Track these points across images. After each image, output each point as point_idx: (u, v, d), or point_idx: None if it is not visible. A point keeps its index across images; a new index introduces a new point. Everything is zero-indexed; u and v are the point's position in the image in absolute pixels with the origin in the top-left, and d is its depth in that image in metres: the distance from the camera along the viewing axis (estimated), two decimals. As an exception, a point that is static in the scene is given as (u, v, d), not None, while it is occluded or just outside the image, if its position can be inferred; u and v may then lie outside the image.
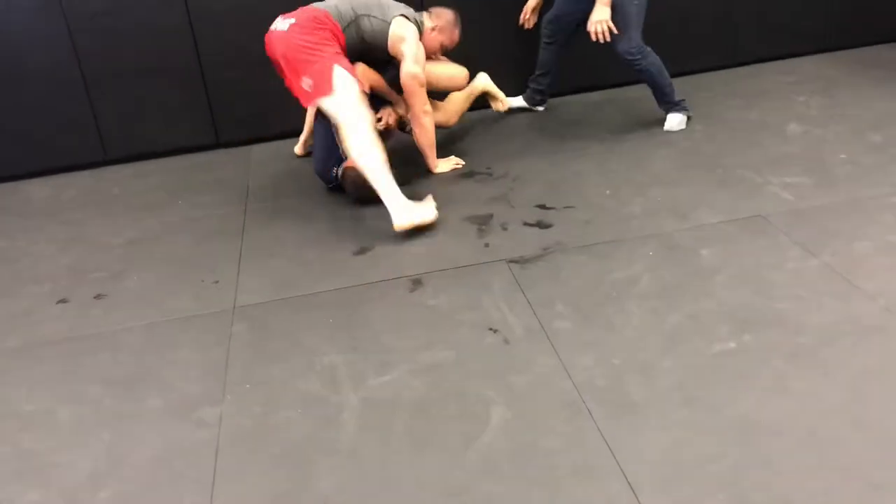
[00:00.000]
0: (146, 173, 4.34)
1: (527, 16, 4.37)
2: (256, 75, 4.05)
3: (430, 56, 3.87)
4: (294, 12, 3.55)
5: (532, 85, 4.52)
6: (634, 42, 3.90)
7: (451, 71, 4.00)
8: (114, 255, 3.48)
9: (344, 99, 3.35)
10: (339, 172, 3.67)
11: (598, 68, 4.65)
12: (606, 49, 4.56)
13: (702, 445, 2.11)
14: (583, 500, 1.99)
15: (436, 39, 3.85)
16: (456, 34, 3.92)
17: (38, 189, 4.29)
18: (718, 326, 2.57)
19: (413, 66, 3.60)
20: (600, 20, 3.80)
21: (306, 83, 3.40)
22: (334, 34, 3.53)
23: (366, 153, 3.34)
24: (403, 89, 3.65)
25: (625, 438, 2.15)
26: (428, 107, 3.72)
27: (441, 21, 3.85)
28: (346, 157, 3.59)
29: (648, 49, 3.97)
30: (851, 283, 2.72)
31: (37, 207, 4.08)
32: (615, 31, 3.83)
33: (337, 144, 3.60)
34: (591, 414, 2.25)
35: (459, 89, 4.11)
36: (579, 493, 2.01)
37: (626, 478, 2.03)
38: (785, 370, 2.35)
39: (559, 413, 2.28)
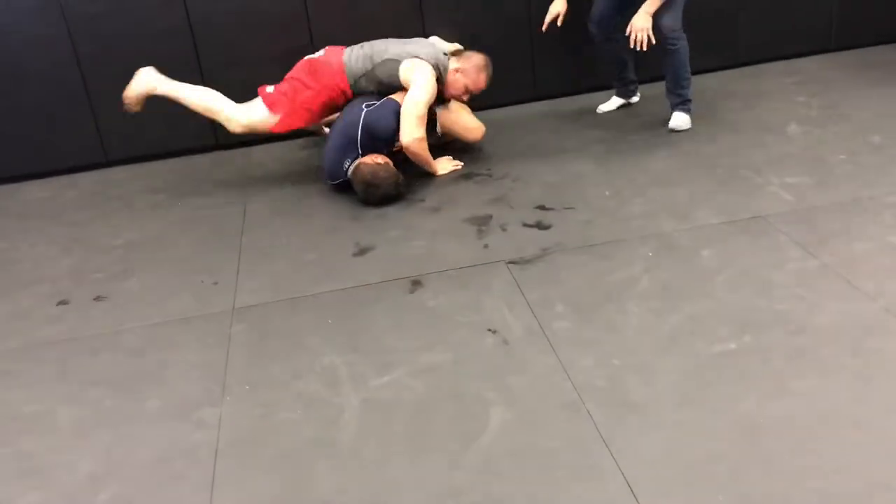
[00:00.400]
0: (146, 175, 4.35)
1: (558, 22, 4.12)
2: (256, 77, 4.04)
3: (455, 96, 3.91)
4: (328, 51, 3.89)
5: (618, 84, 4.49)
6: (678, 21, 3.90)
7: (468, 122, 4.06)
8: (114, 256, 3.48)
9: (253, 109, 3.86)
10: (351, 168, 3.67)
11: (603, 69, 4.65)
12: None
13: (701, 446, 2.10)
14: (582, 500, 1.98)
15: (459, 81, 3.86)
16: (482, 79, 3.89)
17: (38, 191, 4.30)
18: (718, 327, 2.56)
19: (415, 94, 3.66)
20: (643, 28, 3.78)
21: (269, 88, 3.87)
22: (319, 91, 3.81)
23: (195, 90, 3.89)
24: (401, 116, 3.68)
25: (624, 439, 2.15)
26: (422, 134, 3.70)
27: (467, 64, 3.86)
28: (361, 155, 3.66)
29: (684, 35, 3.98)
30: (851, 283, 2.71)
31: (37, 209, 4.09)
32: (653, 41, 3.82)
33: (353, 142, 3.65)
34: (590, 414, 2.25)
35: (473, 140, 4.12)
36: (578, 493, 2.00)
37: (626, 478, 2.02)
38: (785, 371, 2.35)
39: (559, 414, 2.27)
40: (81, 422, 2.46)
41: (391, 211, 3.60)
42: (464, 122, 4.05)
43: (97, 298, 3.16)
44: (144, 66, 4.30)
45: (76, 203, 4.10)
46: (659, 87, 4.31)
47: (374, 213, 3.60)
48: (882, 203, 3.21)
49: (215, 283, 3.16)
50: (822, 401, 2.22)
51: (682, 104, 4.15)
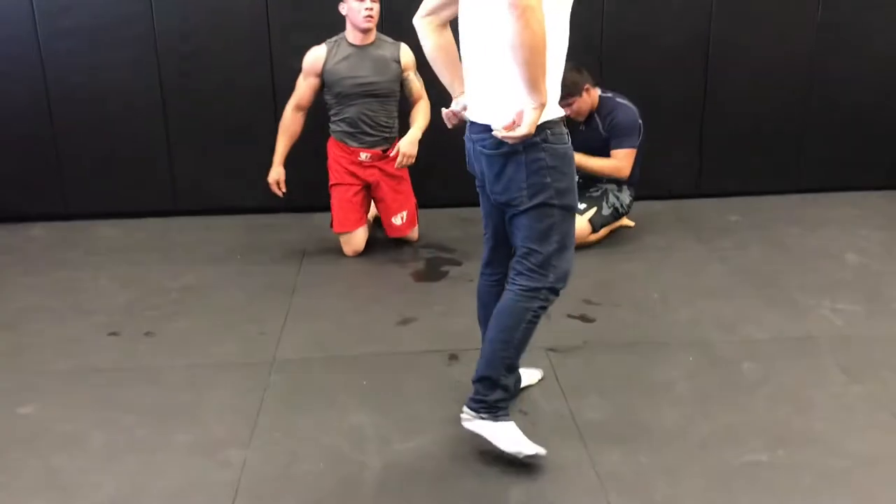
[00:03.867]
0: (211, 227, 4.52)
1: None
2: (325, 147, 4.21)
3: (358, 26, 3.88)
4: None
5: None
6: (554, 259, 2.36)
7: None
8: (169, 297, 3.61)
9: None
10: None
11: (659, 179, 4.73)
12: (667, 161, 4.65)
13: (720, 553, 2.06)
14: (591, 590, 1.95)
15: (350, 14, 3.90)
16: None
17: (109, 229, 4.50)
18: (751, 439, 2.52)
19: None
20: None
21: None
22: None
23: None
24: None
25: (642, 535, 2.12)
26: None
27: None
28: None
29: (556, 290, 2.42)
30: (894, 413, 2.66)
31: (105, 246, 4.27)
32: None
33: None
34: (610, 507, 2.22)
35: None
36: (588, 582, 1.97)
37: (639, 575, 1.98)
38: (815, 490, 2.29)
39: (578, 502, 2.25)
40: (112, 446, 2.52)
41: (438, 287, 3.67)
42: None
43: (147, 334, 3.26)
44: (227, 126, 4.57)
45: (142, 245, 4.27)
46: (725, 202, 4.32)
47: (421, 287, 3.67)
48: (935, 340, 3.16)
49: (261, 334, 3.24)
50: (850, 525, 2.16)
51: (493, 408, 2.39)
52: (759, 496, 2.26)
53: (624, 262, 3.95)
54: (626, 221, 4.38)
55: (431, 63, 2.48)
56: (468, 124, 2.39)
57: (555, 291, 2.39)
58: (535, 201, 2.26)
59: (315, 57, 3.94)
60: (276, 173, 4.06)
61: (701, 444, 2.51)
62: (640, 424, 2.61)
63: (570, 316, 3.37)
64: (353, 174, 4.06)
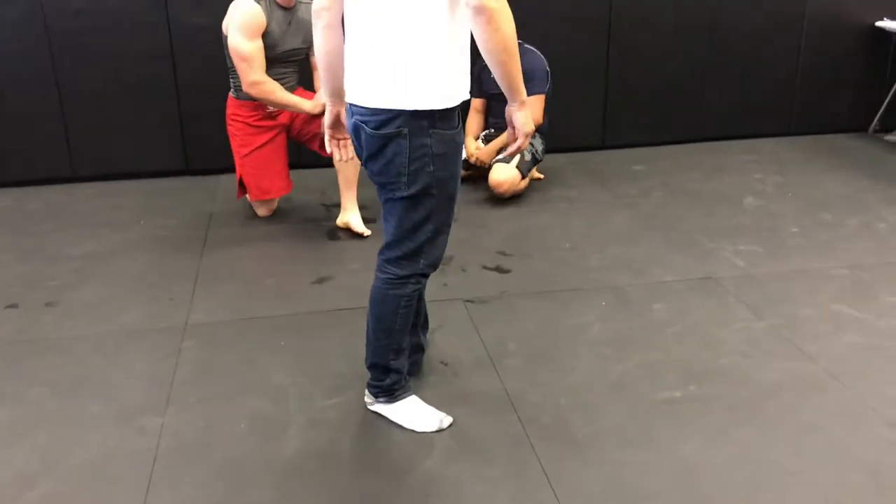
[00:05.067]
0: (112, 193, 4.34)
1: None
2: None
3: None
4: None
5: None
6: (427, 247, 2.25)
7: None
8: (70, 266, 3.46)
9: None
10: None
11: (566, 133, 4.79)
12: (570, 115, 4.72)
13: (640, 485, 2.13)
14: (519, 528, 1.99)
15: None
16: None
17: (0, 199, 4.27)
18: (665, 375, 2.61)
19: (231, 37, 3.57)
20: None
21: None
22: None
23: None
24: None
25: (565, 473, 2.17)
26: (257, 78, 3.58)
27: None
28: None
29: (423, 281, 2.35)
30: (795, 344, 2.79)
31: (-4, 217, 4.05)
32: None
33: None
34: (533, 448, 2.26)
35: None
36: (516, 521, 2.01)
37: (564, 511, 2.04)
38: (727, 420, 2.39)
39: (502, 445, 2.29)
40: (18, 421, 2.42)
41: (352, 245, 3.63)
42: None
43: (49, 304, 3.12)
44: (124, 88, 4.36)
45: (38, 214, 4.07)
46: (630, 153, 4.41)
47: (336, 245, 3.63)
48: (828, 275, 3.32)
49: (171, 300, 3.15)
50: (760, 450, 2.26)
51: (389, 391, 2.41)
52: (674, 429, 2.35)
53: (535, 214, 4.00)
54: (535, 174, 4.44)
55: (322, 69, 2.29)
56: (348, 105, 2.19)
57: (426, 275, 2.33)
58: (414, 189, 2.13)
59: (258, 16, 3.49)
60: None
61: (617, 383, 2.58)
62: (558, 368, 2.67)
63: (485, 268, 3.40)
64: (265, 129, 3.81)
